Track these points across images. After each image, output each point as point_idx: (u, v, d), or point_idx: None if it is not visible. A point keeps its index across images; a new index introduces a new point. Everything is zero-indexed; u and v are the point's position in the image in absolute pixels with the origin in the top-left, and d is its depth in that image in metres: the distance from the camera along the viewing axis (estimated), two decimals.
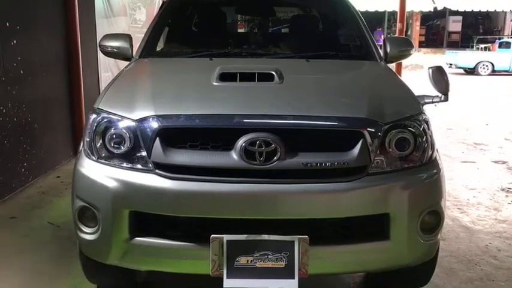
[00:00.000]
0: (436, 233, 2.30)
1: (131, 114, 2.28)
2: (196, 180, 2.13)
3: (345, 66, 3.10)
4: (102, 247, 2.26)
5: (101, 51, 3.33)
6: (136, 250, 2.21)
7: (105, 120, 2.33)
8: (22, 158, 4.59)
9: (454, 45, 27.70)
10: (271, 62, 2.98)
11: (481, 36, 26.23)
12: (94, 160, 2.30)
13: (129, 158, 2.25)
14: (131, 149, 2.25)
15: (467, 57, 20.08)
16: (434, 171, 2.30)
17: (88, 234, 2.29)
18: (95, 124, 2.34)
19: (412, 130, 2.28)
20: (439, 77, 2.70)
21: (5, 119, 4.30)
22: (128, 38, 3.25)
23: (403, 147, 2.25)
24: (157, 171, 2.17)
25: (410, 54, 3.36)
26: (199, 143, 2.19)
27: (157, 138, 2.18)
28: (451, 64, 19.56)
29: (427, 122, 2.36)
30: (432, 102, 2.64)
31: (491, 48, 22.02)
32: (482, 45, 22.85)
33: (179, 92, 2.49)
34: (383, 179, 2.19)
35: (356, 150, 2.16)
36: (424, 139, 2.29)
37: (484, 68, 19.44)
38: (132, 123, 2.25)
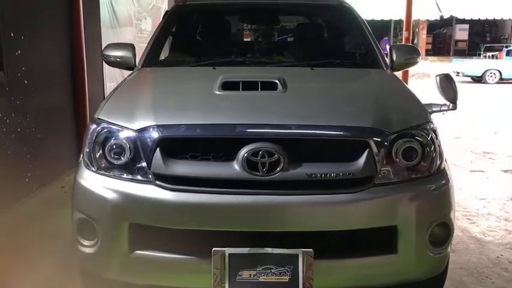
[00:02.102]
0: (445, 246, 2.22)
1: (131, 124, 2.23)
2: (197, 191, 2.08)
3: (351, 74, 3.04)
4: (101, 261, 2.21)
5: (104, 61, 3.30)
6: (136, 264, 2.16)
7: (105, 130, 2.28)
8: (26, 168, 4.55)
9: (461, 54, 27.57)
10: (275, 70, 2.93)
11: (488, 45, 26.12)
12: (93, 171, 2.26)
13: (129, 169, 2.20)
14: (131, 160, 2.20)
15: (474, 65, 19.97)
16: (443, 181, 2.23)
17: (87, 247, 2.24)
18: (95, 134, 2.30)
19: (420, 139, 2.22)
20: (447, 84, 2.63)
21: (9, 129, 4.26)
22: (130, 47, 3.22)
23: (410, 157, 2.19)
24: (157, 182, 2.12)
25: (416, 62, 3.29)
26: (200, 153, 2.14)
27: (158, 148, 2.13)
28: (458, 72, 19.45)
29: (435, 131, 2.29)
30: (440, 111, 2.58)
31: (498, 56, 21.91)
32: (490, 54, 22.75)
33: (180, 102, 2.45)
34: (390, 190, 2.12)
35: (362, 160, 2.10)
36: (432, 148, 2.23)
37: (491, 76, 19.31)
38: (132, 134, 2.21)
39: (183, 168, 2.10)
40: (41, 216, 4.17)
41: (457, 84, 2.87)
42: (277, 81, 2.49)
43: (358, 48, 3.43)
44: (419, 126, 2.27)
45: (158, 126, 2.17)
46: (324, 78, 2.89)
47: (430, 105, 2.53)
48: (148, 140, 2.16)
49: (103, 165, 2.25)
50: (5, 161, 4.21)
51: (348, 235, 2.11)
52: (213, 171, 2.09)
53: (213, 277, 2.05)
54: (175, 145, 2.15)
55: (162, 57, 3.45)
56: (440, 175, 2.24)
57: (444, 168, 2.29)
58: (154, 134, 2.15)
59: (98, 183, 2.21)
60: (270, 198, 2.05)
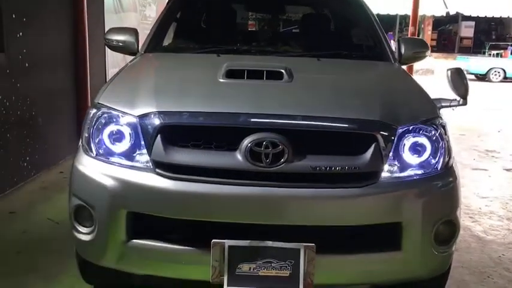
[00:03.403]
0: (450, 244, 2.17)
1: (132, 110, 2.18)
2: (198, 181, 2.02)
3: (358, 66, 2.98)
4: (98, 248, 2.16)
5: (106, 45, 3.24)
6: (133, 253, 2.11)
7: (105, 115, 2.23)
8: (25, 152, 4.51)
9: (465, 51, 27.38)
10: (280, 60, 2.86)
11: (493, 43, 25.95)
12: (92, 157, 2.20)
13: (129, 155, 2.15)
14: (131, 147, 2.15)
15: (479, 63, 19.84)
16: (451, 179, 2.18)
17: (84, 234, 2.19)
18: (95, 119, 2.24)
19: (428, 135, 2.16)
20: (458, 79, 2.57)
21: (9, 112, 4.21)
22: (133, 32, 3.16)
23: (417, 152, 2.13)
24: (157, 170, 2.07)
25: (425, 56, 3.23)
26: (203, 142, 2.08)
27: (159, 135, 2.08)
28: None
29: (444, 127, 2.23)
30: (450, 106, 2.51)
31: (503, 54, 21.75)
32: (494, 52, 22.58)
33: (183, 88, 2.39)
34: (396, 185, 2.07)
35: (368, 154, 2.04)
36: (440, 145, 2.17)
37: (495, 75, 19.20)
38: (133, 120, 2.15)
39: (184, 156, 2.05)
40: (39, 201, 4.13)
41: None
42: (283, 70, 2.43)
43: (366, 40, 3.36)
44: (428, 121, 2.21)
45: (160, 112, 2.11)
46: (331, 70, 2.83)
47: (440, 100, 2.47)
48: (149, 126, 2.10)
49: (102, 151, 2.20)
50: (4, 144, 4.17)
51: (352, 230, 2.06)
52: (214, 161, 2.03)
53: (211, 269, 2.00)
54: (176, 133, 2.09)
55: (166, 43, 3.38)
56: (448, 172, 2.19)
57: (452, 165, 2.23)
58: (156, 121, 2.09)
59: (96, 169, 2.16)
60: (273, 190, 2.00)
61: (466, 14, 24.09)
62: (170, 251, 2.07)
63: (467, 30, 29.52)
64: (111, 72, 6.76)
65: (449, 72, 2.60)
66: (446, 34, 31.66)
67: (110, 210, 2.09)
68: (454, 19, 28.55)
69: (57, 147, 5.13)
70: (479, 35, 30.03)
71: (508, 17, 24.36)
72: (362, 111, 2.17)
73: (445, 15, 22.59)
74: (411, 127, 2.15)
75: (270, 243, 1.99)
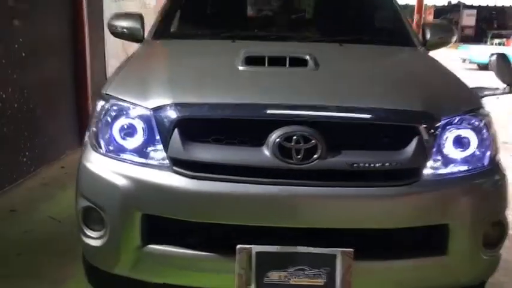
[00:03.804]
0: (498, 247, 1.98)
1: (145, 102, 1.96)
2: (221, 180, 1.82)
3: (384, 52, 2.76)
4: (109, 254, 1.96)
5: (110, 32, 3.01)
6: (148, 259, 1.90)
7: (115, 108, 2.01)
8: (24, 147, 4.30)
9: (467, 40, 27.09)
10: (299, 46, 2.64)
11: (496, 31, 25.70)
12: (101, 154, 1.99)
13: (142, 152, 1.94)
14: (145, 142, 1.94)
15: (481, 52, 19.59)
16: (498, 175, 1.97)
17: (93, 238, 1.98)
18: (103, 112, 2.02)
19: (473, 126, 1.96)
20: (502, 65, 2.35)
21: (5, 105, 4.00)
22: (139, 18, 2.94)
23: (462, 146, 1.93)
24: (175, 168, 1.86)
25: (451, 42, 3.03)
26: (225, 137, 1.87)
27: (176, 130, 1.86)
28: (464, 59, 19.09)
29: (489, 118, 2.03)
30: (494, 95, 2.30)
31: (505, 43, 21.52)
32: (497, 41, 22.34)
33: (200, 77, 2.17)
34: (441, 183, 1.86)
35: (410, 148, 1.83)
36: (486, 137, 1.96)
37: None
38: (147, 112, 1.94)
39: (204, 153, 1.84)
40: (40, 199, 3.92)
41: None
42: (307, 57, 2.21)
43: (388, 23, 3.14)
44: (471, 112, 2.00)
45: (177, 104, 1.90)
46: (357, 56, 2.61)
47: (482, 88, 2.26)
48: (165, 120, 1.89)
49: (112, 147, 1.98)
50: (1, 139, 3.97)
51: (392, 234, 1.86)
52: (239, 158, 1.82)
53: (237, 278, 1.79)
54: (196, 127, 1.88)
55: (172, 29, 3.14)
56: (495, 168, 1.98)
57: (499, 160, 2.02)
58: (172, 114, 1.88)
59: (106, 168, 1.94)
60: (305, 190, 1.79)
61: (468, 2, 23.82)
62: (190, 258, 1.86)
63: (469, 19, 29.24)
64: (110, 62, 6.57)
65: (493, 57, 2.39)
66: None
67: (123, 212, 1.88)
68: (456, 8, 28.25)
69: (57, 140, 4.93)
70: (480, 23, 29.79)
71: (510, 5, 24.11)
72: (401, 101, 1.96)
73: (446, 4, 22.33)
74: (455, 118, 1.94)
75: (302, 249, 1.79)
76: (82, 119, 5.34)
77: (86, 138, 2.16)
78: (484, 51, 19.65)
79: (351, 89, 2.06)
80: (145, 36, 2.95)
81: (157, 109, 1.92)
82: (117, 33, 2.97)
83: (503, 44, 21.47)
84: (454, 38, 3.06)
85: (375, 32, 3.11)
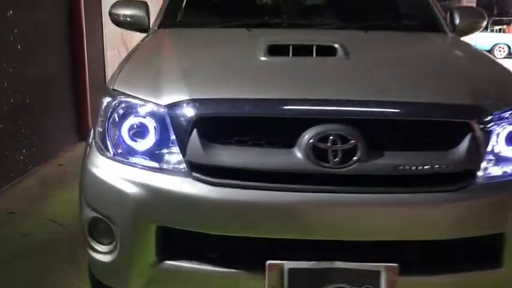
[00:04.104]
0: None
1: (158, 98, 1.73)
2: (247, 187, 1.59)
3: (417, 39, 2.53)
4: (120, 271, 1.74)
5: (112, 21, 2.77)
6: (165, 277, 1.69)
7: (123, 105, 1.78)
8: (20, 144, 4.09)
9: None
10: (322, 33, 2.41)
11: (496, 18, 25.44)
12: (109, 157, 1.77)
13: (156, 155, 1.71)
14: (158, 144, 1.72)
15: (483, 39, 19.35)
16: None
17: (101, 253, 1.77)
18: (110, 110, 1.79)
19: None
20: None
21: (1, 100, 3.78)
22: (143, 5, 2.71)
23: None
24: (194, 174, 1.64)
25: (480, 28, 2.81)
26: (251, 137, 1.64)
27: (195, 130, 1.64)
28: None
29: None
30: None
31: (506, 30, 21.30)
32: (497, 27, 22.10)
33: (218, 70, 1.94)
34: (495, 187, 1.64)
35: (463, 148, 1.61)
36: None
37: (500, 51, 18.78)
38: (160, 110, 1.71)
39: (228, 156, 1.61)
40: (39, 199, 3.70)
41: None
42: (337, 45, 1.99)
43: (416, 8, 2.90)
44: None
45: (195, 101, 1.67)
46: (388, 43, 2.38)
47: None
48: (182, 118, 1.66)
49: (121, 150, 1.76)
50: None
51: (442, 245, 1.64)
52: (267, 161, 1.60)
53: None
54: (217, 126, 1.66)
55: (181, 17, 2.90)
56: None
57: None
58: (190, 111, 1.65)
59: (115, 173, 1.72)
60: (344, 197, 1.57)
61: None
62: (212, 275, 1.64)
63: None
64: (109, 54, 6.34)
65: None
66: (446, 9, 31.08)
67: (135, 224, 1.67)
68: None
69: (55, 137, 4.71)
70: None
71: None
72: (449, 94, 1.73)
73: None
74: (507, 112, 1.72)
75: (340, 264, 1.57)
76: (80, 114, 5.17)
77: (90, 139, 1.93)
78: (486, 38, 19.43)
79: (390, 80, 1.83)
80: (150, 25, 2.71)
81: (172, 106, 1.69)
82: (120, 22, 2.73)
83: (504, 31, 21.26)
84: (484, 23, 2.85)
85: (400, 17, 2.87)
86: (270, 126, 1.65)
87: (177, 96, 1.70)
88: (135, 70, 2.00)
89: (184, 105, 1.67)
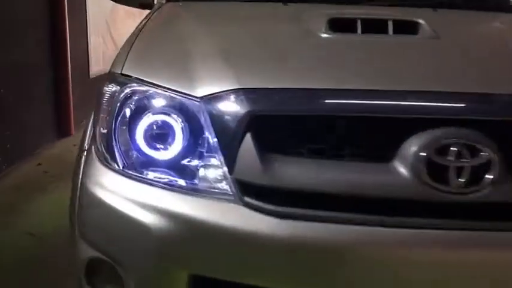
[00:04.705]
0: None
1: (189, 87, 1.22)
2: (330, 220, 1.08)
3: (496, 18, 2.06)
4: None
5: None
6: None
7: (138, 96, 1.26)
8: None
9: None
10: (385, 10, 1.91)
11: None
12: (117, 171, 1.24)
13: (186, 169, 1.20)
14: (189, 152, 1.21)
15: None
16: None
17: None
18: (118, 104, 1.26)
19: None
20: None
21: None
22: None
23: None
24: (247, 199, 1.12)
25: None
26: (330, 146, 1.13)
27: (248, 134, 1.12)
28: None
29: None
30: None
31: None
32: None
33: (270, 50, 1.41)
34: None
35: None
36: None
37: None
38: (194, 104, 1.19)
39: (300, 174, 1.10)
40: (15, 207, 3.17)
41: None
42: (421, 21, 1.50)
43: None
44: None
45: (248, 91, 1.15)
46: (472, 23, 1.90)
47: None
48: (227, 117, 1.15)
49: (134, 160, 1.24)
50: None
51: None
52: (358, 183, 1.09)
53: None
54: (282, 129, 1.14)
55: None
56: None
57: None
58: (242, 107, 1.14)
59: (126, 194, 1.20)
60: (477, 238, 1.07)
61: None
62: None
63: None
64: (93, 41, 5.81)
65: None
66: None
67: (157, 271, 1.15)
68: None
69: (32, 133, 4.23)
70: None
71: None
72: None
73: None
74: None
75: None
76: (60, 106, 4.67)
77: (85, 143, 1.41)
78: None
79: (508, 67, 1.34)
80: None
81: (212, 99, 1.18)
82: None
83: None
84: None
85: None
86: (356, 131, 1.14)
87: (220, 85, 1.19)
88: (150, 50, 1.46)
89: (232, 97, 1.15)
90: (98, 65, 5.68)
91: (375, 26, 1.49)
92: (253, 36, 1.54)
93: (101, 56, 5.90)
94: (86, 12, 5.38)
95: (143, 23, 1.87)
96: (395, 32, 1.49)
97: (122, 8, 5.97)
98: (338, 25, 1.48)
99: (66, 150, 4.18)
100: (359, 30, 1.48)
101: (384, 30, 1.49)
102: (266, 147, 1.12)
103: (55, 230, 2.65)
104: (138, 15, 6.01)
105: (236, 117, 1.13)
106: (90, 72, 5.51)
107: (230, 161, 1.13)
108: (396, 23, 1.50)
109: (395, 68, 1.29)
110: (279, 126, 1.15)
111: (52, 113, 4.61)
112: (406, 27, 1.50)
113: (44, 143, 4.36)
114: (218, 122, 1.15)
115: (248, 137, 1.12)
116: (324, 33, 1.44)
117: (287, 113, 1.15)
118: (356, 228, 1.08)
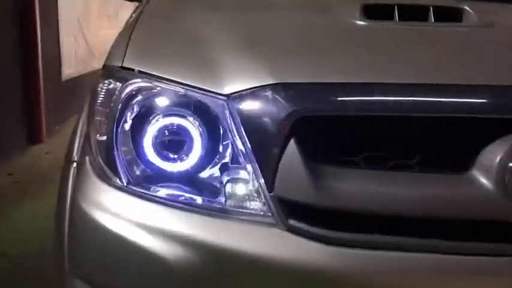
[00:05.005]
0: None
1: (212, 83, 0.98)
2: (401, 248, 0.87)
3: None
4: None
5: None
6: None
7: (144, 95, 1.02)
8: None
9: None
10: None
11: None
12: (119, 188, 1.00)
13: (208, 185, 0.97)
14: (211, 163, 0.98)
15: None
16: None
17: None
18: (120, 105, 1.02)
19: None
20: None
21: None
22: None
23: None
24: (292, 222, 0.89)
25: None
26: (392, 153, 0.92)
27: (292, 140, 0.90)
28: None
29: None
30: None
31: None
32: None
33: (302, 39, 1.18)
34: None
35: None
36: None
37: None
38: (217, 103, 0.96)
39: (361, 190, 0.88)
40: None
41: None
42: (467, 7, 1.31)
43: None
44: None
45: (289, 87, 0.93)
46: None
47: None
48: (264, 120, 0.92)
49: (140, 172, 1.00)
50: None
51: None
52: (435, 199, 0.88)
53: None
54: (330, 134, 0.92)
55: None
56: None
57: None
58: (283, 107, 0.91)
59: (133, 218, 0.96)
60: None
61: None
62: None
63: None
64: (65, 40, 5.55)
65: None
66: None
67: None
68: None
69: (1, 140, 3.96)
70: None
71: None
72: None
73: None
74: None
75: None
76: (31, 109, 4.45)
77: (74, 153, 1.16)
78: None
79: None
80: None
81: (242, 96, 0.94)
82: None
83: None
84: None
85: None
86: (430, 133, 0.93)
87: (251, 79, 0.95)
88: (155, 39, 1.21)
89: (269, 94, 0.92)
90: (70, 67, 5.52)
91: (414, 13, 1.30)
92: (279, 22, 1.30)
93: (73, 56, 5.72)
94: (57, 8, 5.16)
95: (140, 9, 1.62)
96: (436, 19, 1.30)
97: (96, 8, 5.75)
98: (373, 11, 1.28)
99: (37, 159, 3.95)
100: (396, 17, 1.29)
101: (424, 17, 1.30)
102: (314, 158, 0.90)
103: (30, 251, 2.42)
104: (113, 15, 5.76)
105: (277, 119, 0.90)
106: (62, 75, 5.31)
107: (268, 174, 0.90)
108: (437, 9, 1.31)
109: (456, 61, 1.08)
110: (330, 129, 0.92)
111: (21, 117, 4.35)
112: (449, 14, 1.31)
113: (12, 151, 4.08)
114: (251, 125, 0.92)
115: (292, 143, 0.89)
116: (359, 20, 1.23)
117: (343, 113, 0.93)
118: (433, 257, 0.86)
